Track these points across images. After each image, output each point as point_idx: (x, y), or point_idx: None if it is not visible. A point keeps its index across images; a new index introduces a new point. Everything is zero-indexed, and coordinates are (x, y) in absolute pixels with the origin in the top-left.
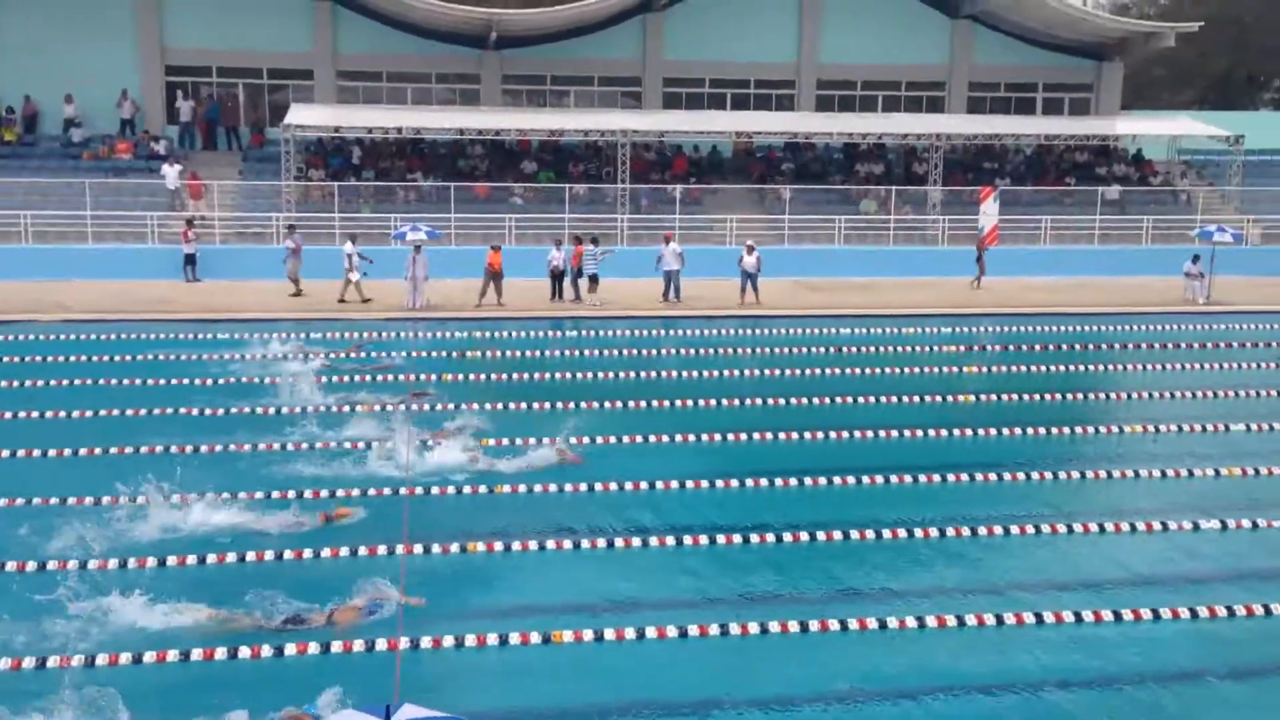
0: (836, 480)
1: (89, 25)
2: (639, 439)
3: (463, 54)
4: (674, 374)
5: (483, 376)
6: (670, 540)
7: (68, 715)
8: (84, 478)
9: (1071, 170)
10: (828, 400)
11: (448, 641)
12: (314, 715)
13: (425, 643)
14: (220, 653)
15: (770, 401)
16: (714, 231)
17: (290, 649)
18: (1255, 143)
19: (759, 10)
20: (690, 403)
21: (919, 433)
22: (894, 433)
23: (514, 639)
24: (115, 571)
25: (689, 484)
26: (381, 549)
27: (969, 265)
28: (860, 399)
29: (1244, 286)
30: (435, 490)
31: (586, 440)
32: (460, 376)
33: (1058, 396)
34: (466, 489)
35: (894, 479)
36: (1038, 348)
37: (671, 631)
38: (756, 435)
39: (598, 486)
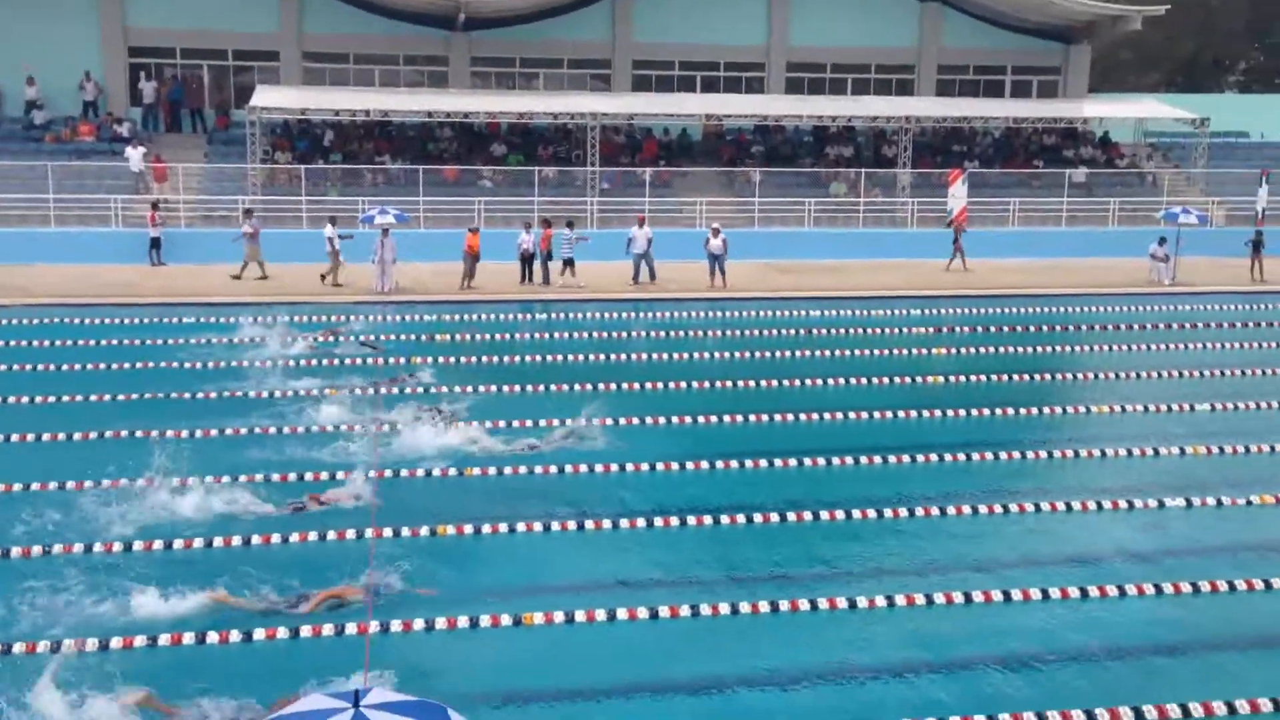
0: (806, 461)
1: (50, 6)
2: (609, 421)
3: (431, 35)
4: (643, 356)
5: (453, 360)
6: (640, 522)
7: (42, 699)
8: (49, 463)
9: (1040, 153)
10: (797, 382)
11: (418, 625)
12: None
13: (395, 625)
14: (190, 637)
15: (740, 384)
16: (684, 214)
17: (259, 634)
18: (1220, 125)
19: None
20: (659, 385)
21: (888, 414)
22: (863, 414)
23: (484, 621)
24: (80, 555)
25: (659, 466)
26: (350, 533)
27: (938, 247)
28: (830, 381)
29: (1209, 268)
30: (404, 473)
31: (556, 422)
32: (431, 359)
33: (1025, 377)
34: (436, 471)
35: (863, 460)
36: (1005, 329)
37: (641, 613)
38: (726, 418)
39: (568, 469)
